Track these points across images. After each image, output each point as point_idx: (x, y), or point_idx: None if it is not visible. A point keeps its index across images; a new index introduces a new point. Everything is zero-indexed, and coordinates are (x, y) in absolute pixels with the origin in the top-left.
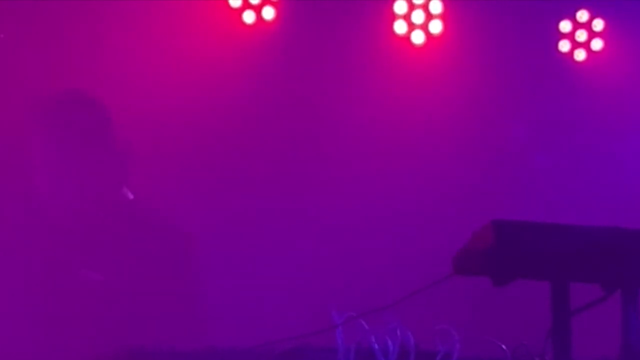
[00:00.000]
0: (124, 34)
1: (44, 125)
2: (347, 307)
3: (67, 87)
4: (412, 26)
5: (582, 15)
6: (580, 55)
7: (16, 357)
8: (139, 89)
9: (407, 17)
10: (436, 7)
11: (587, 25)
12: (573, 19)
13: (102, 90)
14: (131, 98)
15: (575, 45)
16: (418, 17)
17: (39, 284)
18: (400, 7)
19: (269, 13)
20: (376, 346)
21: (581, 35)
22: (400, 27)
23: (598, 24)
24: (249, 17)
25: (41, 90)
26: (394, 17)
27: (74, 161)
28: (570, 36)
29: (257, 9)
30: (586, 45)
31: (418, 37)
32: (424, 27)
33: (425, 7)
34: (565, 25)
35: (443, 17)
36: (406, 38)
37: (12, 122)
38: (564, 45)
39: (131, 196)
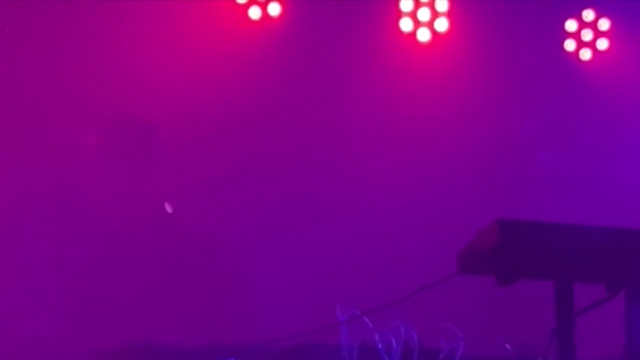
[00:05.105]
0: (131, 30)
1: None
2: (351, 304)
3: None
4: (418, 24)
5: (588, 15)
6: (585, 54)
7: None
8: (146, 85)
9: (413, 15)
10: (442, 5)
11: (592, 25)
12: (579, 18)
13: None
14: (137, 95)
15: (581, 44)
16: (424, 14)
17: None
18: (406, 5)
19: (274, 9)
20: (380, 344)
21: (587, 35)
22: (406, 24)
23: (604, 24)
24: (254, 13)
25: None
26: (399, 14)
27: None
28: (576, 35)
29: (263, 5)
30: (592, 44)
31: (424, 35)
32: (430, 24)
33: (431, 4)
34: (571, 25)
35: (449, 15)
36: (412, 35)
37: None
38: (570, 45)
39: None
